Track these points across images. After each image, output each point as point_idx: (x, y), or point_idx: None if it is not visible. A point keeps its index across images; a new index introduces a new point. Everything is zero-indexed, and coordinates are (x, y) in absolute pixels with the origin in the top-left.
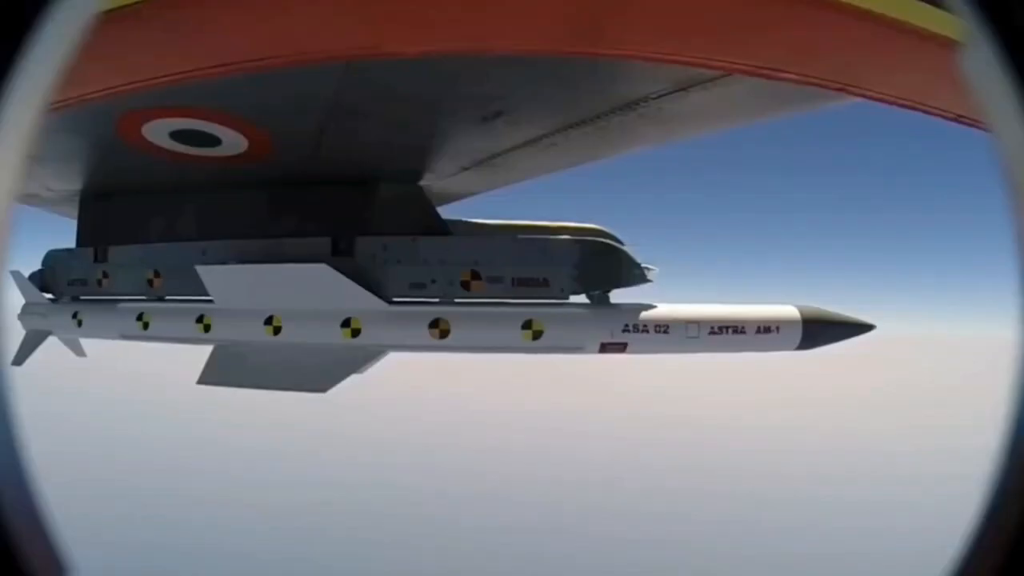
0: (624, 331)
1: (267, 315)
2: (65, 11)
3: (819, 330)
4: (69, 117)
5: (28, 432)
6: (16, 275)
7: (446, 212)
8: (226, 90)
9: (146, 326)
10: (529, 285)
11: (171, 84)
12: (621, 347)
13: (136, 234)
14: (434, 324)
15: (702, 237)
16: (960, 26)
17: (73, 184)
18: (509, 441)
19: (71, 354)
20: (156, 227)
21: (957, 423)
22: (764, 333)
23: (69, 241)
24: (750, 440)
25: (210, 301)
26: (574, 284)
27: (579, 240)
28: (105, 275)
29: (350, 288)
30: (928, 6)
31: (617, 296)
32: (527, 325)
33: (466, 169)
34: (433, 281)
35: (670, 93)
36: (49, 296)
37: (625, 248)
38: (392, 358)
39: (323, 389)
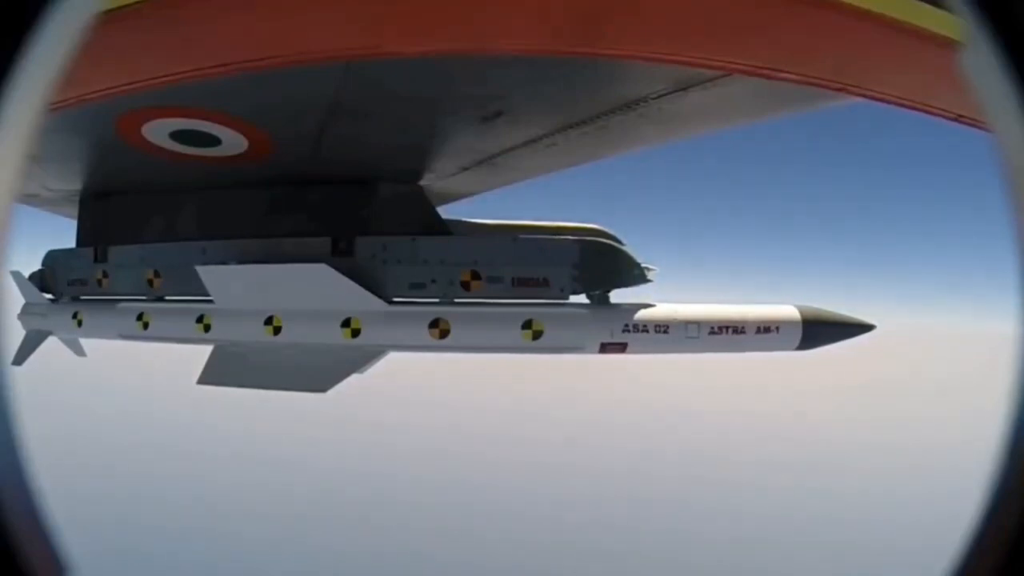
0: (624, 331)
1: (267, 315)
2: (65, 11)
3: (819, 330)
4: (69, 117)
5: (28, 432)
6: (16, 275)
7: (446, 212)
8: (226, 90)
9: (146, 326)
10: (529, 285)
11: (171, 84)
12: (621, 347)
13: (136, 234)
14: (434, 324)
15: (702, 237)
16: (960, 26)
17: (73, 184)
18: (510, 439)
19: (71, 354)
20: (156, 227)
21: (957, 417)
22: (765, 333)
23: (69, 241)
24: (747, 434)
25: (210, 301)
26: (574, 284)
27: (579, 240)
28: (105, 275)
29: (350, 288)
30: (928, 6)
31: (617, 296)
32: (527, 325)
33: (466, 169)
34: (433, 281)
35: (670, 93)
36: (49, 296)
37: (625, 248)
38: (392, 357)
39: (323, 389)
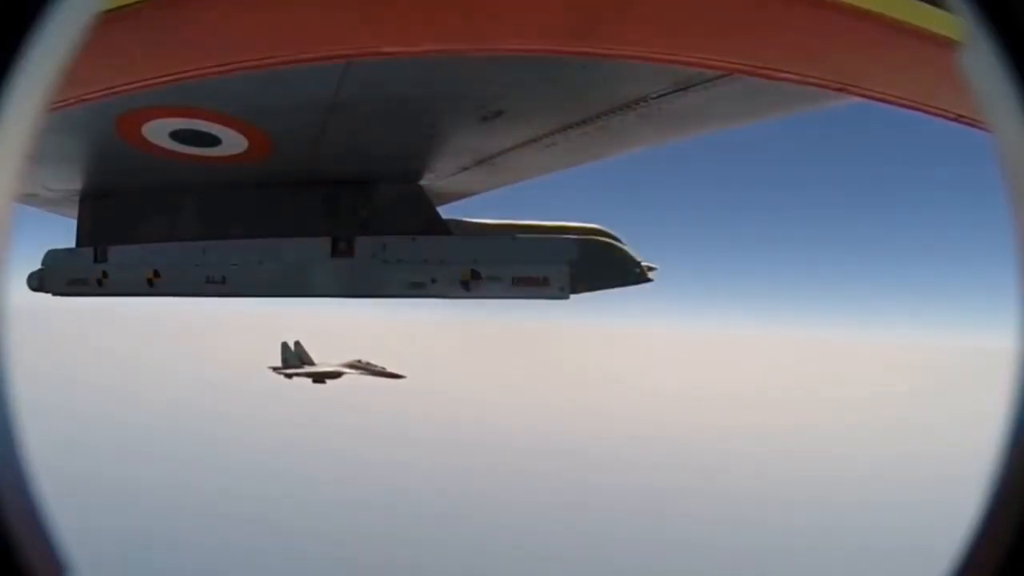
0: None
1: None
2: (65, 11)
3: None
4: (69, 117)
5: (28, 432)
6: None
7: (446, 212)
8: (226, 90)
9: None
10: (529, 284)
11: (171, 84)
12: None
13: (136, 234)
14: None
15: (701, 237)
16: (960, 26)
17: (73, 184)
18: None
19: (70, 353)
20: (156, 227)
21: (957, 427)
22: None
23: (69, 241)
24: (748, 446)
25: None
26: (574, 283)
27: (579, 239)
28: (105, 275)
29: None
30: (928, 6)
31: (617, 295)
32: None
33: (466, 169)
34: (433, 280)
35: (670, 93)
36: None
37: (625, 247)
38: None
39: None
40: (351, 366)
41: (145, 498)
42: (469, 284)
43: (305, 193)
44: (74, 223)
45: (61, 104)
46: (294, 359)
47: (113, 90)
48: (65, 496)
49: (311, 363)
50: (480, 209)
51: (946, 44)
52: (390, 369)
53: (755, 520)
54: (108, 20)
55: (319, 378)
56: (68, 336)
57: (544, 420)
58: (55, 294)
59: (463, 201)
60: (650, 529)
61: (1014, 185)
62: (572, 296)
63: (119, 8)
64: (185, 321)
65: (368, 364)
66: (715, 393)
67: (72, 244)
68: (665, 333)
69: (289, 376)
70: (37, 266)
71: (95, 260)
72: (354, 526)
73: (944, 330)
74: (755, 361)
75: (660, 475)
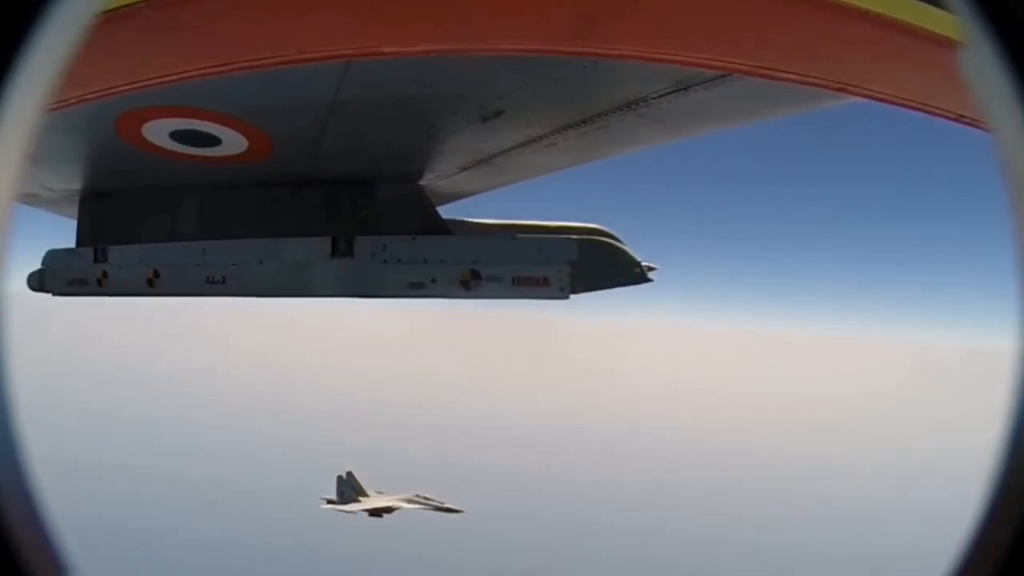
0: None
1: None
2: (65, 11)
3: None
4: (69, 117)
5: (28, 432)
6: None
7: (446, 212)
8: (226, 90)
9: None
10: (529, 284)
11: (171, 84)
12: None
13: (136, 234)
14: None
15: (700, 238)
16: (960, 26)
17: (73, 184)
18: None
19: (70, 354)
20: (156, 227)
21: (957, 427)
22: None
23: (69, 241)
24: (745, 445)
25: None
26: (574, 283)
27: (579, 239)
28: (105, 275)
29: None
30: (928, 6)
31: (618, 294)
32: None
33: (466, 169)
34: (433, 280)
35: (670, 93)
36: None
37: (625, 246)
38: None
39: None
40: (408, 500)
41: (145, 498)
42: (469, 284)
43: (305, 193)
44: (74, 223)
45: (61, 104)
46: (349, 492)
47: (113, 90)
48: (65, 495)
49: (365, 494)
50: (480, 209)
51: (946, 44)
52: (448, 504)
53: (753, 518)
54: (108, 20)
55: (376, 512)
56: (68, 336)
57: (544, 418)
58: (55, 294)
59: (463, 201)
60: (650, 528)
61: (1014, 185)
62: (572, 296)
63: (119, 8)
64: (186, 318)
65: (425, 498)
66: (714, 393)
67: (72, 244)
68: (665, 333)
69: (352, 513)
70: (37, 266)
71: (95, 260)
72: (355, 524)
73: (944, 330)
74: (755, 360)
75: (660, 474)
